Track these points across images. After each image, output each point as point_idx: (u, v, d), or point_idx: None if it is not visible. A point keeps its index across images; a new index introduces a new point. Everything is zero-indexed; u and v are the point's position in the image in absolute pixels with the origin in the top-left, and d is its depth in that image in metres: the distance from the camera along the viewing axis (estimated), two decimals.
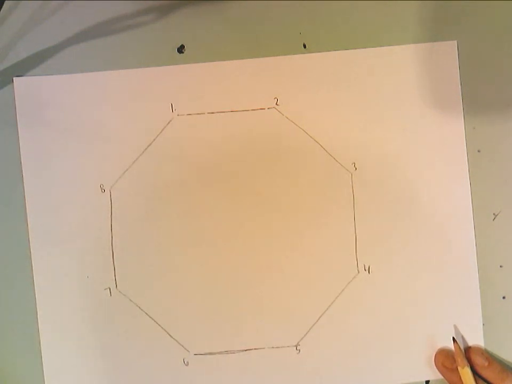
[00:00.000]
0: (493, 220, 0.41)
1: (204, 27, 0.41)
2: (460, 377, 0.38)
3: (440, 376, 0.40)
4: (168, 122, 0.41)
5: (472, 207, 0.41)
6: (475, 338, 0.41)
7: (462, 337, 0.41)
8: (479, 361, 0.39)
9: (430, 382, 0.41)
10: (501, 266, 0.41)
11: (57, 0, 0.41)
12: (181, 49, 0.42)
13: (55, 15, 0.41)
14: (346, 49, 0.42)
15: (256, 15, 0.42)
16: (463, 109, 0.41)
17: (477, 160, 0.41)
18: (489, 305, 0.41)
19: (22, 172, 0.41)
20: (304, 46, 0.42)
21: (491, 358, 0.39)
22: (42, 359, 0.41)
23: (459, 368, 0.38)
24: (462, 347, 0.40)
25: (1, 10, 0.38)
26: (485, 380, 0.39)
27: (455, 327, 0.41)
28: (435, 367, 0.40)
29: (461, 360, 0.38)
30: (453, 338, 0.40)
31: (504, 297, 0.41)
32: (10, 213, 0.41)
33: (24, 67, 0.41)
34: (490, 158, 0.41)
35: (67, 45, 0.41)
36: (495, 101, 0.42)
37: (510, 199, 0.41)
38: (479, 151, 0.41)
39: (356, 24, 0.42)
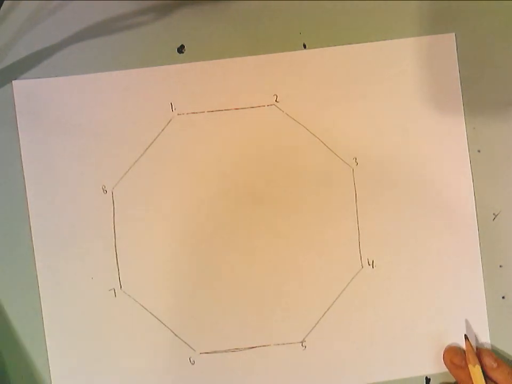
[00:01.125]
0: (493, 220, 0.42)
1: (204, 27, 0.42)
2: (468, 375, 0.38)
3: (440, 371, 0.41)
4: (168, 122, 0.41)
5: None
6: (480, 334, 0.41)
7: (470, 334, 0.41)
8: (488, 362, 0.39)
9: (430, 378, 0.41)
10: (500, 266, 0.42)
11: (57, 0, 0.41)
12: (181, 49, 0.42)
13: (55, 15, 0.41)
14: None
15: (256, 16, 0.42)
16: (463, 110, 0.42)
17: (477, 160, 0.42)
18: (489, 305, 0.41)
19: (23, 174, 0.41)
20: (304, 46, 0.42)
21: (500, 360, 0.39)
22: (49, 360, 0.40)
23: (470, 366, 0.38)
24: (474, 344, 0.40)
25: (1, 10, 0.38)
26: (492, 381, 0.39)
27: (466, 323, 0.41)
28: (443, 362, 0.41)
29: (472, 358, 0.39)
30: (465, 335, 0.40)
31: (503, 297, 0.41)
32: (13, 216, 0.41)
33: (24, 67, 0.41)
34: (490, 158, 0.42)
35: (67, 45, 0.41)
36: (495, 101, 0.42)
37: (510, 199, 0.42)
38: (479, 151, 0.42)
39: (356, 24, 0.42)
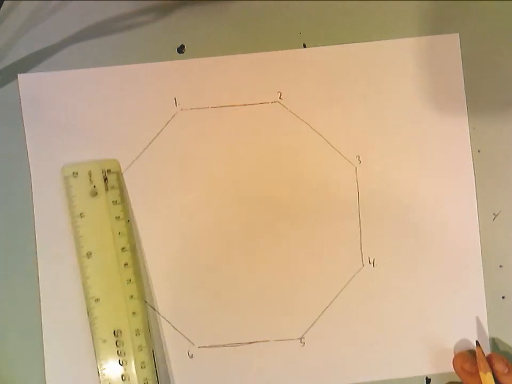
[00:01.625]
0: (493, 220, 0.41)
1: (204, 27, 0.42)
2: (479, 381, 0.38)
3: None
4: (172, 117, 0.41)
5: None
6: (480, 334, 0.41)
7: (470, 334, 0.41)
8: (499, 368, 0.38)
9: (431, 378, 0.41)
10: (500, 266, 0.41)
11: (57, 0, 0.41)
12: (181, 49, 0.42)
13: (55, 15, 0.41)
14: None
15: (256, 16, 0.42)
16: None
17: (477, 160, 0.42)
18: (489, 305, 0.41)
19: (29, 168, 0.41)
20: (304, 46, 0.42)
21: (511, 364, 0.38)
22: (44, 359, 0.40)
23: (481, 373, 0.38)
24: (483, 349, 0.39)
25: (1, 10, 0.38)
26: None
27: (466, 324, 0.41)
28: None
29: (483, 365, 0.38)
30: (476, 342, 0.40)
31: (503, 297, 0.41)
32: (17, 214, 0.41)
33: (24, 66, 0.41)
34: (490, 158, 0.42)
35: (67, 45, 0.41)
36: (496, 101, 0.42)
37: (510, 199, 0.42)
38: (479, 151, 0.42)
39: (357, 23, 0.42)
